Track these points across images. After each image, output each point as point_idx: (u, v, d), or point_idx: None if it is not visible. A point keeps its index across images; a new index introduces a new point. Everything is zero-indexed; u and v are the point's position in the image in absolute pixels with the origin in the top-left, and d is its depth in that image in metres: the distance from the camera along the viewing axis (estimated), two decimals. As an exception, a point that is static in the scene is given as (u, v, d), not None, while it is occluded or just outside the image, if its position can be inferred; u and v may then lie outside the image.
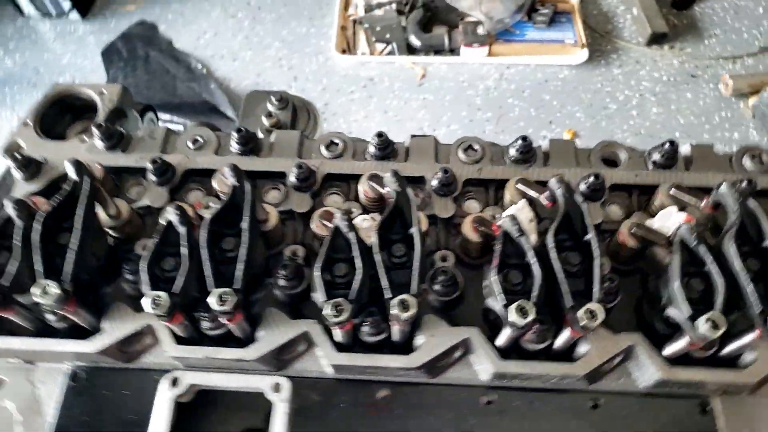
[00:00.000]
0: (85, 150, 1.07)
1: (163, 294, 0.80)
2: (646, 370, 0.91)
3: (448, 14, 2.87)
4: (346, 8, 2.91)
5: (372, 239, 0.88)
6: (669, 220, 0.98)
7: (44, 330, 0.94)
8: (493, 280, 0.87)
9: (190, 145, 1.06)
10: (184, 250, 0.85)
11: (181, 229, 0.87)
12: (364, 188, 1.00)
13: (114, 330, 0.92)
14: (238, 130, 1.02)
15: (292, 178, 1.03)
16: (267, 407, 0.95)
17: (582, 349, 0.91)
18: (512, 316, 0.82)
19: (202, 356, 0.89)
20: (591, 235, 0.88)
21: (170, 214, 0.87)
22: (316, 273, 0.84)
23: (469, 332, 0.91)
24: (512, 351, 0.91)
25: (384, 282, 0.84)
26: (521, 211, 0.96)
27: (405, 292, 0.83)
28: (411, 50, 2.80)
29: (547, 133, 2.66)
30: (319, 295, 0.83)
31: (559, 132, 2.67)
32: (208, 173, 1.06)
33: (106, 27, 2.92)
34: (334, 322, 0.81)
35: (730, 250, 0.85)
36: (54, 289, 0.81)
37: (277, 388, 0.94)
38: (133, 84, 2.76)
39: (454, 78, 2.78)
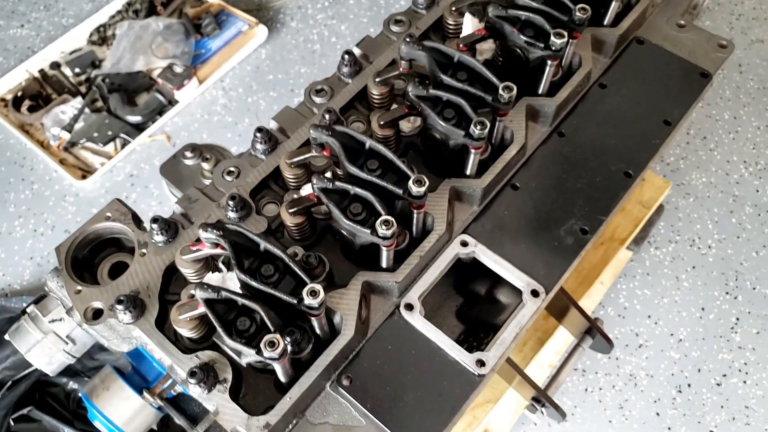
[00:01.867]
0: (153, 254, 1.07)
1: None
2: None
3: (137, 82, 2.98)
4: (46, 147, 2.78)
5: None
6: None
7: (296, 369, 0.99)
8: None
9: (229, 178, 1.14)
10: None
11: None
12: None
13: (348, 309, 1.01)
14: (259, 129, 1.13)
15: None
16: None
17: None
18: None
19: (417, 259, 1.04)
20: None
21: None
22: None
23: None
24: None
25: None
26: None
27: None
28: (139, 128, 2.83)
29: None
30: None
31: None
32: (264, 185, 1.15)
33: None
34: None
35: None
36: (317, 285, 0.89)
37: (465, 243, 1.13)
38: None
39: (193, 120, 2.92)
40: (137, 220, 1.13)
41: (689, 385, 2.35)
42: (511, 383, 1.80)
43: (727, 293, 2.52)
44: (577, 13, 1.17)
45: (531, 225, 1.18)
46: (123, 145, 2.83)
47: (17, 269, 2.57)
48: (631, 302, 2.52)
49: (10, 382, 2.20)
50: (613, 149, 1.26)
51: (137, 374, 1.40)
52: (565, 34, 1.15)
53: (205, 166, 1.39)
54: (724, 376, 2.36)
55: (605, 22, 1.37)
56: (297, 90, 3.04)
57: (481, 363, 1.04)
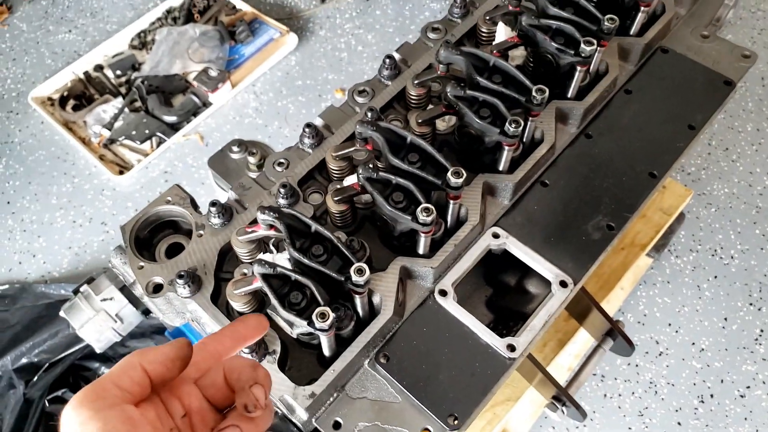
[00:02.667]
0: (210, 236, 1.16)
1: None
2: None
3: (173, 84, 3.09)
4: (87, 143, 2.91)
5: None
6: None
7: (338, 345, 1.07)
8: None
9: (279, 169, 1.22)
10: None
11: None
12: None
13: (387, 290, 1.09)
14: (308, 125, 1.22)
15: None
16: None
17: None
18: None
19: (452, 247, 1.12)
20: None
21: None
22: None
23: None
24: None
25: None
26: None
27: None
28: (174, 128, 2.95)
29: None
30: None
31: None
32: (310, 177, 1.24)
33: None
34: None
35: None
36: (364, 265, 0.97)
37: (496, 235, 1.20)
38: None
39: (225, 121, 3.02)
40: (194, 205, 1.22)
41: (712, 396, 2.38)
42: (532, 382, 1.86)
43: (750, 304, 2.55)
44: (606, 23, 1.25)
45: (559, 220, 1.26)
46: (159, 144, 2.95)
47: (56, 258, 2.69)
48: (651, 309, 2.56)
49: (47, 365, 2.31)
50: (638, 151, 1.34)
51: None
52: (595, 41, 1.23)
53: (251, 159, 1.47)
54: (748, 387, 2.38)
55: (631, 32, 1.45)
56: (324, 95, 3.15)
57: (511, 347, 1.11)
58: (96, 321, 1.39)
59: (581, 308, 1.95)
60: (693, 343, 2.49)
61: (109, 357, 2.39)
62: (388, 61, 1.36)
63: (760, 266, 2.62)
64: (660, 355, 2.47)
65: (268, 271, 0.97)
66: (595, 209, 1.27)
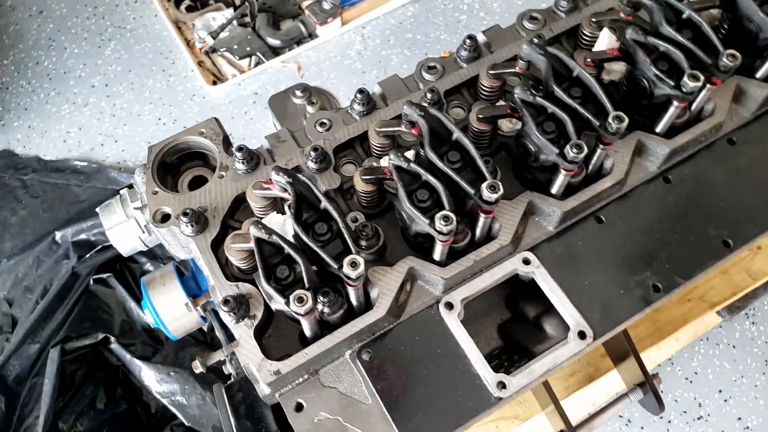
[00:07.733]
0: (230, 179, 1.10)
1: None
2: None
3: (286, 8, 3.05)
4: (190, 46, 2.93)
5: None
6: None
7: (323, 328, 1.00)
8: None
9: (320, 129, 1.14)
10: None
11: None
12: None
13: (387, 288, 1.00)
14: (360, 91, 1.12)
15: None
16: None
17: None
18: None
19: (471, 262, 1.01)
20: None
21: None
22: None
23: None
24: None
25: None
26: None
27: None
28: (275, 52, 2.92)
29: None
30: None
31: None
32: (349, 145, 1.15)
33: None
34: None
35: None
36: (359, 258, 0.88)
37: (527, 261, 1.07)
38: (28, 215, 2.56)
39: (326, 58, 2.96)
40: (227, 143, 1.17)
41: (742, 478, 2.19)
42: (544, 409, 1.75)
43: (816, 397, 2.29)
44: (724, 59, 1.07)
45: (603, 264, 1.12)
46: (257, 64, 2.94)
47: (135, 149, 2.77)
48: (704, 369, 2.35)
49: (100, 246, 2.41)
50: (719, 212, 1.16)
51: (194, 280, 1.48)
52: (701, 77, 1.05)
53: (310, 109, 1.41)
54: (782, 480, 2.18)
55: (758, 75, 1.24)
56: (431, 54, 3.01)
57: (502, 385, 1.01)
58: (125, 226, 1.39)
59: (619, 351, 1.80)
60: (739, 418, 2.26)
61: (158, 256, 2.46)
62: (468, 41, 1.23)
63: (844, 362, 2.33)
64: (699, 419, 2.27)
65: (262, 236, 0.91)
66: (647, 264, 1.12)
